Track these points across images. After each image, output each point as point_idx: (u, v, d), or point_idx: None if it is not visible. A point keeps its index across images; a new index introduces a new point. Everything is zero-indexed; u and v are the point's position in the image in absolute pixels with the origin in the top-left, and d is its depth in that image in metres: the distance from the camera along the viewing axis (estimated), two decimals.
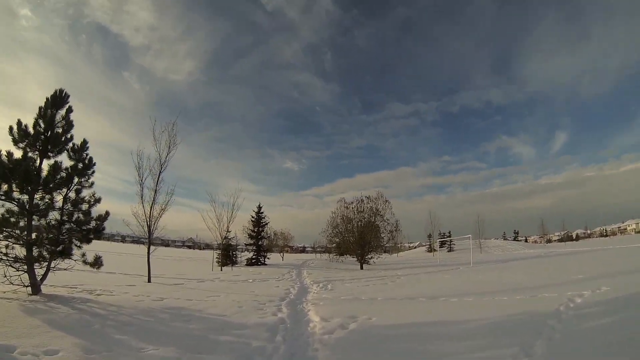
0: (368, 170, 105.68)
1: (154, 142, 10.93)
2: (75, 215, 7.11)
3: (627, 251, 17.86)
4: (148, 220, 10.47)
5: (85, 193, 7.40)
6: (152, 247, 10.64)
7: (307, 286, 10.74)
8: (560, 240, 75.45)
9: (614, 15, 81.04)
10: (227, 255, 21.14)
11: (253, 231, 24.05)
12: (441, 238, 39.31)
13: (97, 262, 7.24)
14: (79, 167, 7.09)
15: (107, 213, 7.40)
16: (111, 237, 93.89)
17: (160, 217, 10.74)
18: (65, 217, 6.95)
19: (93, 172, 7.57)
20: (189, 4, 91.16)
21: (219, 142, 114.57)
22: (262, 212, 24.55)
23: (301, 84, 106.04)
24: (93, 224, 7.34)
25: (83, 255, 7.17)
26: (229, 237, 22.00)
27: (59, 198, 6.82)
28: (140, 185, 10.45)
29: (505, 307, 5.99)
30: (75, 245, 7.17)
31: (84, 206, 7.07)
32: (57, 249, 6.65)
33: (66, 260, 7.00)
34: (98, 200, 7.48)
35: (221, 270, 17.17)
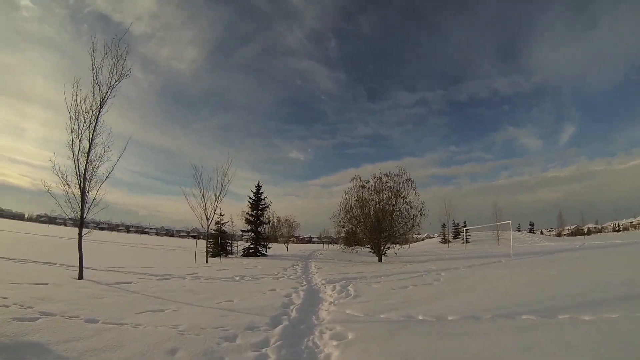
0: (374, 160, 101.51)
1: (92, 65, 7.10)
2: None
3: None
4: (80, 182, 6.78)
5: None
6: (85, 230, 7.00)
7: (318, 289, 7.24)
8: (571, 234, 71.55)
9: (621, 2, 75.87)
10: (216, 243, 17.69)
11: (251, 215, 20.32)
12: (465, 227, 35.45)
13: None
14: None
15: None
16: (115, 227, 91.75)
17: (102, 182, 7.04)
18: None
19: None
20: None
21: (223, 130, 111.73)
22: (261, 193, 20.80)
23: (305, 72, 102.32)
24: None
25: None
26: (222, 223, 18.59)
27: None
28: (71, 130, 6.75)
29: None
30: None
31: None
32: None
33: None
34: None
35: (206, 262, 13.74)
